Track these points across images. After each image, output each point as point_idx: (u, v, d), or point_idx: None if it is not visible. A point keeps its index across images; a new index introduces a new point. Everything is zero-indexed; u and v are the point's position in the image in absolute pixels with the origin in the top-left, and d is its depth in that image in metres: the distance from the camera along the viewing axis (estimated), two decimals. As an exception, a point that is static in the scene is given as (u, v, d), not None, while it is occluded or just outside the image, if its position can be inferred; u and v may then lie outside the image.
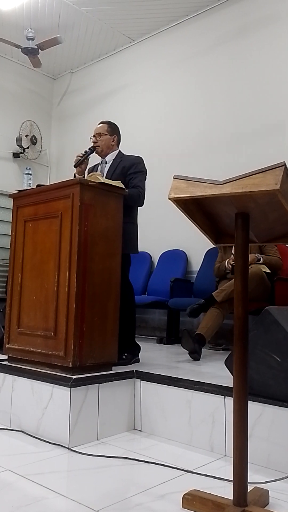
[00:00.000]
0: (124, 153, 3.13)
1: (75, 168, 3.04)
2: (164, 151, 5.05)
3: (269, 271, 3.44)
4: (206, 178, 1.44)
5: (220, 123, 4.75)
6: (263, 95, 4.45)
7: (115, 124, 3.19)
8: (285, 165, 1.32)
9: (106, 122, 3.18)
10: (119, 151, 3.15)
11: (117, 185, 2.66)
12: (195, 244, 4.57)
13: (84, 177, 3.01)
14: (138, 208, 3.05)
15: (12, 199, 2.88)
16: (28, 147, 6.15)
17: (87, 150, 3.03)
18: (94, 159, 3.16)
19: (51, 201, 2.59)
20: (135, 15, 5.15)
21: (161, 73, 5.36)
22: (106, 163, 3.10)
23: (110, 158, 3.10)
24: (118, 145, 3.18)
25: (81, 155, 3.00)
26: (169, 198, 1.49)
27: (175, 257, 4.90)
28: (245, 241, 1.55)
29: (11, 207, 2.87)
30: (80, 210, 2.43)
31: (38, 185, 2.82)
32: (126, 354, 2.82)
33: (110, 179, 2.85)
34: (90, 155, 3.04)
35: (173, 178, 1.50)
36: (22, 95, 6.29)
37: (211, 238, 1.72)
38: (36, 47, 5.25)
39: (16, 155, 6.10)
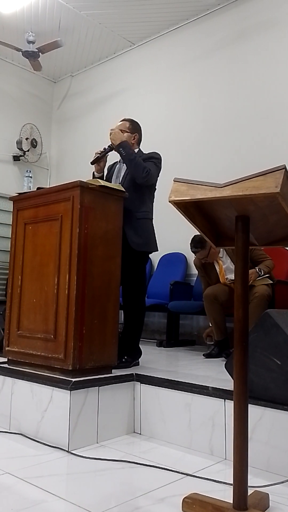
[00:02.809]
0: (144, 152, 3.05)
1: (92, 165, 2.95)
2: (164, 154, 5.00)
3: (271, 281, 3.45)
4: (206, 181, 1.44)
5: (220, 126, 4.76)
6: (262, 99, 4.47)
7: (137, 123, 3.09)
8: (285, 168, 1.32)
9: (128, 119, 3.07)
10: (139, 149, 3.06)
11: (117, 188, 2.66)
12: (195, 247, 4.56)
13: (103, 175, 2.98)
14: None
15: (12, 201, 2.88)
16: (28, 150, 6.16)
17: (106, 147, 2.94)
18: (114, 156, 3.08)
19: (51, 204, 2.59)
20: (136, 19, 5.17)
21: (161, 77, 5.37)
22: (123, 162, 3.00)
23: None
24: (138, 144, 3.08)
25: (99, 152, 2.93)
26: (169, 201, 1.49)
27: (175, 260, 4.90)
28: (245, 244, 1.55)
29: (11, 210, 2.87)
30: (80, 213, 2.43)
31: (38, 188, 2.83)
32: (126, 357, 2.81)
33: (126, 179, 2.85)
34: (109, 153, 2.97)
35: (173, 180, 1.50)
36: (22, 98, 6.31)
37: (211, 240, 1.72)
38: (37, 50, 5.27)
39: (16, 158, 6.11)
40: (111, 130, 2.90)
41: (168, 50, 5.34)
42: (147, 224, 2.94)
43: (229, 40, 4.80)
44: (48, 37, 5.26)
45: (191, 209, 1.56)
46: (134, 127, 3.05)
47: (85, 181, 2.52)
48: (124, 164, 2.99)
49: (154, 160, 2.95)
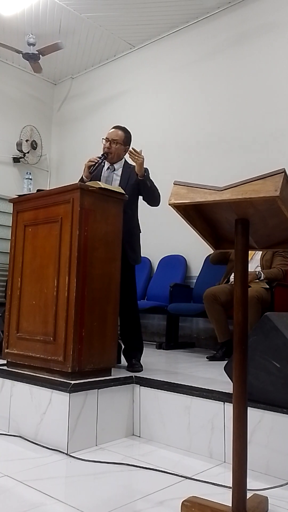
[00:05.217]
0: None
1: (90, 174, 2.94)
2: (164, 157, 5.06)
3: (267, 286, 3.45)
4: (206, 184, 1.44)
5: (220, 129, 4.77)
6: (263, 101, 4.47)
7: (131, 134, 3.08)
8: (285, 171, 1.32)
9: (123, 129, 3.05)
10: (125, 160, 3.09)
11: (117, 190, 2.66)
12: (195, 250, 4.57)
13: (89, 180, 2.96)
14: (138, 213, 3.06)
15: (12, 203, 2.88)
16: (28, 152, 6.16)
17: (101, 156, 2.95)
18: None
19: (51, 206, 2.59)
20: (136, 21, 5.18)
21: (161, 79, 5.38)
22: (114, 170, 3.04)
23: (118, 166, 3.05)
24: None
25: (95, 160, 2.91)
26: (169, 204, 1.49)
27: (175, 262, 4.90)
28: (245, 247, 1.55)
29: (11, 212, 2.87)
30: (80, 215, 2.43)
31: (38, 190, 2.83)
32: (134, 360, 2.83)
33: (125, 187, 2.87)
34: (103, 162, 3.00)
35: (173, 184, 1.50)
36: (22, 100, 6.32)
37: (211, 243, 1.73)
38: (37, 52, 5.28)
39: (16, 160, 6.11)
40: (138, 157, 2.82)
41: (168, 52, 5.35)
42: (138, 239, 3.03)
43: (229, 43, 4.81)
44: (49, 39, 5.27)
45: (191, 212, 1.56)
46: (127, 140, 3.05)
47: (85, 183, 2.53)
48: (115, 173, 3.02)
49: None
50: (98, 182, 2.65)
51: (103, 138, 3.04)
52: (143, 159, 2.85)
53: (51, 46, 5.15)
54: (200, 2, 4.81)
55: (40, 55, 5.31)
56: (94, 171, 2.94)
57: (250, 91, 4.58)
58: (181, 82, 5.19)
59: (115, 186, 2.81)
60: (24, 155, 6.13)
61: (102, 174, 3.05)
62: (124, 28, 5.33)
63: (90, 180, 2.92)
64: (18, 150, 6.09)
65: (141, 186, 2.92)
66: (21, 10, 5.02)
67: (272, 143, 4.33)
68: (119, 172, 3.03)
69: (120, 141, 3.01)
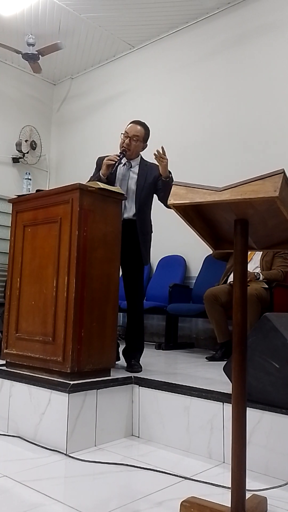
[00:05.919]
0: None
1: (111, 173, 2.85)
2: (164, 157, 5.05)
3: (267, 286, 3.45)
4: (205, 185, 1.44)
5: (220, 129, 4.77)
6: (263, 102, 4.48)
7: (150, 130, 2.99)
8: (284, 172, 1.32)
9: (144, 125, 2.94)
10: (141, 156, 3.01)
11: (116, 190, 2.66)
12: (194, 250, 4.58)
13: (107, 178, 2.90)
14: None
15: (11, 204, 2.88)
16: (27, 152, 6.17)
17: (119, 154, 2.85)
18: (101, 152, 3.04)
19: (50, 206, 2.59)
20: (136, 22, 5.18)
21: (161, 80, 5.38)
22: (131, 167, 2.96)
23: (135, 163, 2.98)
24: None
25: (115, 159, 2.80)
26: (168, 204, 1.50)
27: (174, 263, 4.90)
28: (244, 248, 1.55)
29: (11, 212, 2.87)
30: (79, 215, 2.43)
31: (37, 190, 2.82)
32: (133, 360, 2.82)
33: (143, 185, 2.87)
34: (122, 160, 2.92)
35: (173, 184, 1.50)
36: (22, 101, 6.32)
37: (210, 244, 1.72)
38: (37, 52, 5.28)
39: (15, 160, 6.11)
40: (163, 159, 2.77)
41: (167, 53, 5.35)
42: (151, 238, 3.04)
43: (228, 44, 4.81)
44: (48, 40, 5.27)
45: (190, 213, 1.56)
46: (147, 136, 2.96)
47: (84, 183, 2.52)
48: (132, 170, 2.96)
49: None
50: (97, 182, 2.65)
51: (122, 133, 2.94)
52: (168, 160, 2.80)
53: (50, 47, 5.15)
54: (200, 2, 4.82)
55: (40, 55, 5.31)
56: (113, 170, 2.83)
57: (250, 91, 4.58)
58: (181, 83, 5.19)
59: (116, 187, 2.77)
60: (24, 155, 6.13)
61: (118, 171, 2.93)
62: (124, 28, 5.33)
63: (106, 178, 2.85)
64: (18, 150, 6.09)
65: (163, 186, 2.86)
66: (21, 10, 5.02)
67: (272, 143, 4.34)
68: (136, 169, 2.96)
69: (141, 138, 2.92)
